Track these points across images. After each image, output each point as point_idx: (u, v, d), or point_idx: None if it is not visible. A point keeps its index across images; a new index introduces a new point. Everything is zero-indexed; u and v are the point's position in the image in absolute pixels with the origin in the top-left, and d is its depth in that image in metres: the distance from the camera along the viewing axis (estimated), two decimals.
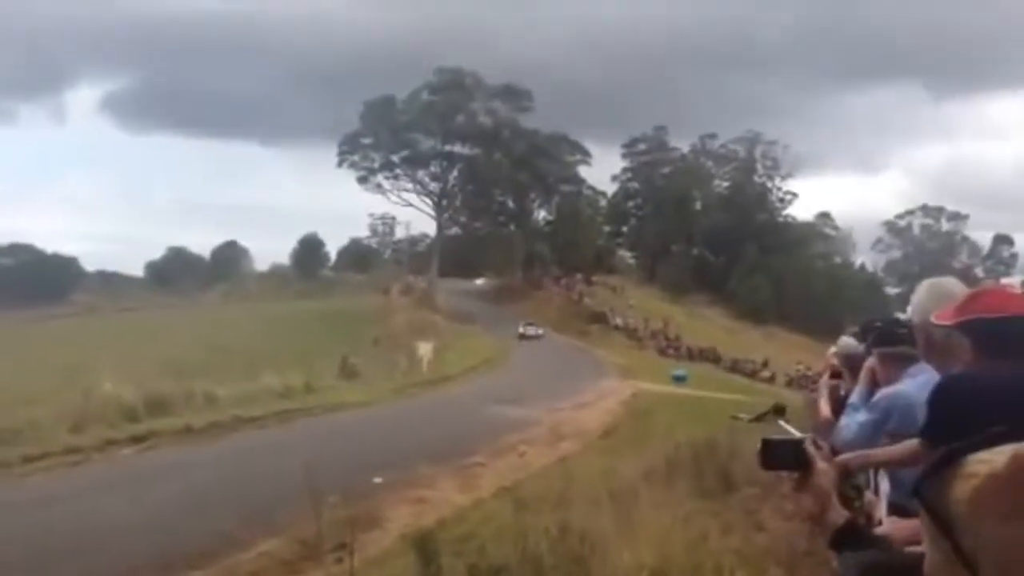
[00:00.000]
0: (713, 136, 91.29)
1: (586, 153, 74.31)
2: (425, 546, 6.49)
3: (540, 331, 52.31)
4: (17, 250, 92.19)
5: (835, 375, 5.32)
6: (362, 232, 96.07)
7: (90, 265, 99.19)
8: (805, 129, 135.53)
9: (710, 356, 52.83)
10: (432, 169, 69.38)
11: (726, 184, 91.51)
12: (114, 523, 9.75)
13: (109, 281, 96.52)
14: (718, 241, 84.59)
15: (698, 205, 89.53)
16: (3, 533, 9.26)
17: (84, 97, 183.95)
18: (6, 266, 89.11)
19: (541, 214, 77.71)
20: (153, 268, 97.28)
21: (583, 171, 75.24)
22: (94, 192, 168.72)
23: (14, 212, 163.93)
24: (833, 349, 6.70)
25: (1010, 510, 1.08)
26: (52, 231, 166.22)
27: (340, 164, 68.52)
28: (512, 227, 75.38)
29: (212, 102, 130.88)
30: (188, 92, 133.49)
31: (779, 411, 5.50)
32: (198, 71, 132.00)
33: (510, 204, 74.78)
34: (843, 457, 2.92)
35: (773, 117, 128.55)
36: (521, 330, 51.95)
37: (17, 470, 12.57)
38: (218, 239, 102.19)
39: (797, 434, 3.20)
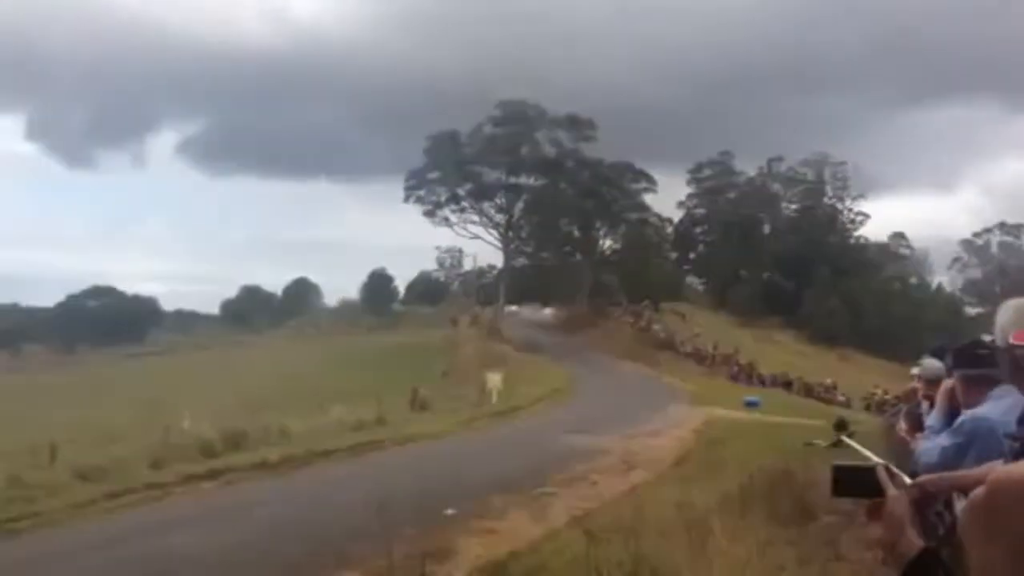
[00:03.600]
0: (780, 159, 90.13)
1: (651, 180, 73.99)
2: None
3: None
4: (100, 292, 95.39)
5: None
6: (430, 265, 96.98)
7: (168, 305, 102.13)
8: (875, 149, 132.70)
9: (783, 381, 51.81)
10: (498, 201, 69.74)
11: (795, 207, 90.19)
12: (193, 557, 9.93)
13: (186, 320, 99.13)
14: (789, 264, 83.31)
15: (767, 229, 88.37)
16: (78, 570, 9.50)
17: (163, 142, 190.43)
18: (90, 307, 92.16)
19: (607, 243, 77.41)
20: (228, 306, 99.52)
21: (648, 198, 74.84)
22: (172, 234, 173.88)
23: (97, 255, 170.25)
24: (916, 370, 6.49)
25: (986, 535, 1.07)
26: (132, 272, 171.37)
27: (407, 199, 69.33)
28: (578, 256, 75.23)
29: (283, 143, 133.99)
30: (260, 133, 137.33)
31: (841, 427, 5.35)
32: (269, 113, 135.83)
33: (576, 233, 74.64)
34: (921, 479, 2.83)
35: (842, 138, 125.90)
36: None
37: (102, 506, 12.90)
38: (289, 276, 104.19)
39: (873, 458, 3.10)
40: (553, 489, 14.20)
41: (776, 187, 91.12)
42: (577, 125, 68.20)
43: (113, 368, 63.79)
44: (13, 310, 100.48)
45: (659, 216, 79.53)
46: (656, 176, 74.73)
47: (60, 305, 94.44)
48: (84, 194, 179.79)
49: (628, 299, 71.78)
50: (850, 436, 5.10)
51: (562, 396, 36.18)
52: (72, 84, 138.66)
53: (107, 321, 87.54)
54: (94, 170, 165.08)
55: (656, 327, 64.69)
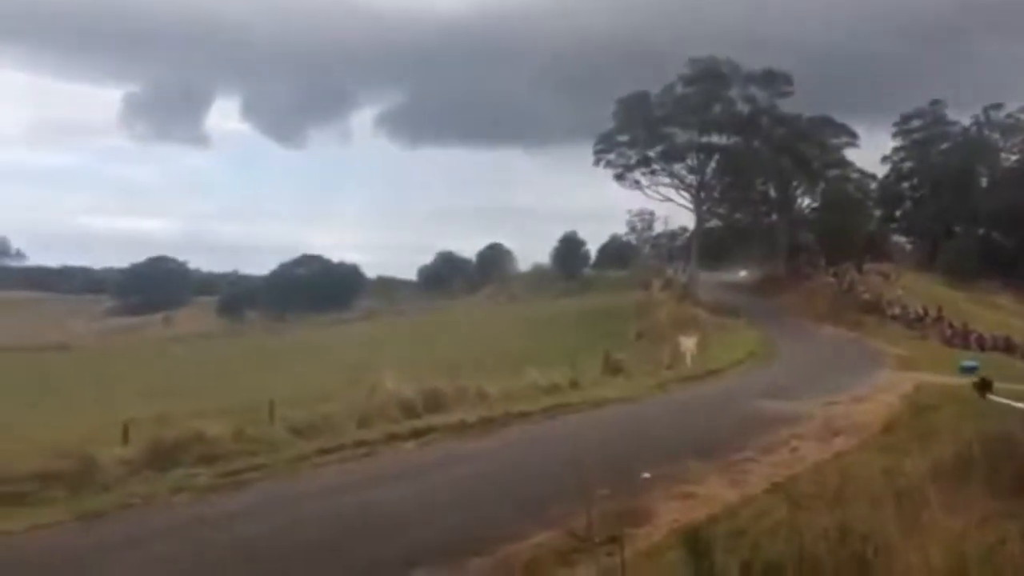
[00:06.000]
0: (999, 106, 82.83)
1: (852, 135, 70.35)
2: (696, 541, 6.39)
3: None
4: (309, 260, 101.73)
5: None
6: (620, 229, 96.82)
7: (370, 272, 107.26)
8: None
9: (1004, 345, 48.18)
10: (689, 162, 68.13)
11: (1016, 158, 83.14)
12: (398, 511, 10.46)
13: (387, 286, 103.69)
14: (1009, 220, 76.88)
15: (983, 182, 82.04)
16: (302, 517, 10.21)
17: (363, 117, 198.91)
18: (300, 275, 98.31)
19: (805, 201, 74.44)
20: (425, 272, 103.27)
21: (850, 154, 71.31)
22: (372, 204, 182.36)
23: (306, 227, 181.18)
24: None
25: None
26: (337, 242, 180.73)
27: (597, 163, 68.97)
28: (774, 216, 72.82)
29: (474, 112, 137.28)
30: (452, 104, 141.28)
31: (984, 386, 4.89)
32: (460, 83, 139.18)
33: (771, 193, 72.22)
34: None
35: None
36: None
37: (315, 460, 13.77)
38: (483, 242, 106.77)
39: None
40: (751, 454, 13.93)
41: (995, 137, 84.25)
42: (773, 80, 65.58)
43: (321, 332, 67.70)
44: (234, 278, 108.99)
45: (862, 171, 75.46)
46: (858, 130, 71.15)
47: (273, 273, 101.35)
48: (294, 169, 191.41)
49: (828, 260, 68.87)
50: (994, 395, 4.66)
51: (759, 360, 35.31)
52: (281, 66, 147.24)
53: (315, 288, 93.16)
54: (303, 146, 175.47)
55: (859, 288, 61.69)
